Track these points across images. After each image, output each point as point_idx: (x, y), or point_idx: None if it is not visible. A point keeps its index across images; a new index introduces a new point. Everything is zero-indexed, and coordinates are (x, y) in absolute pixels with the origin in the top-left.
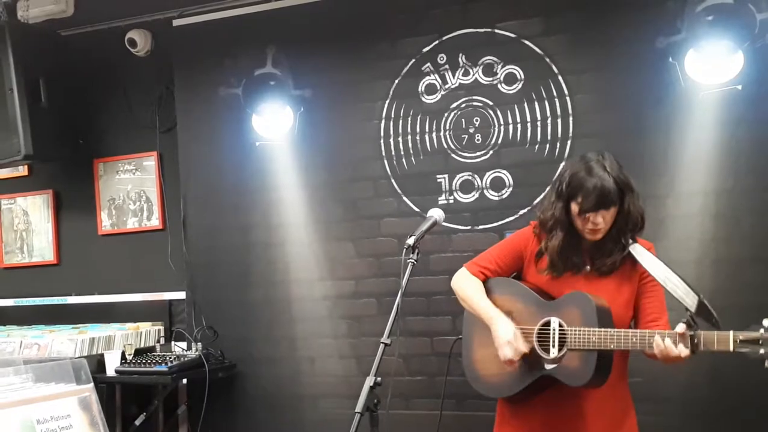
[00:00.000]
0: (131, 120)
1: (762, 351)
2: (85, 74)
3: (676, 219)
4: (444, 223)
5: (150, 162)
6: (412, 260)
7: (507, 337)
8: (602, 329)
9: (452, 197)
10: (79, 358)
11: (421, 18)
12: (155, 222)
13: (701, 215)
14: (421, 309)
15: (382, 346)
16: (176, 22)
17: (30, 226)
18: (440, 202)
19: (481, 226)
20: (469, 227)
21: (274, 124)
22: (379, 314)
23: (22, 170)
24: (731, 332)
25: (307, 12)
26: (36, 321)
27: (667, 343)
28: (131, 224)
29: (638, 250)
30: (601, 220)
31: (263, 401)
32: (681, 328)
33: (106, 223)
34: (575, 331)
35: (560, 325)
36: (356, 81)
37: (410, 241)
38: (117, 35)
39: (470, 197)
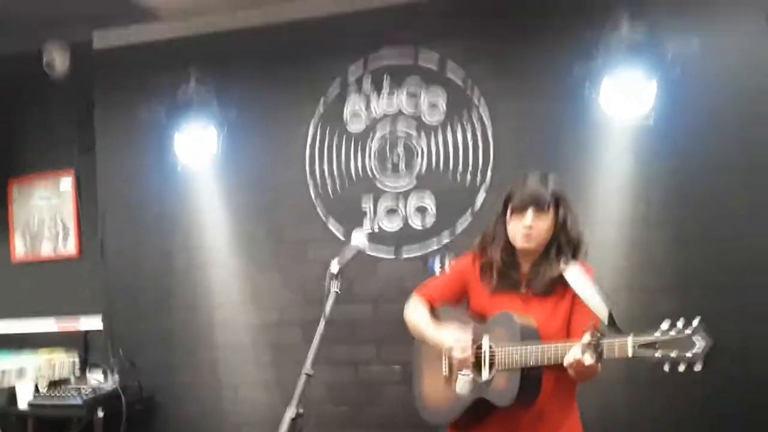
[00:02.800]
0: (49, 139)
1: (658, 354)
2: (1, 91)
3: (590, 247)
4: (368, 252)
5: (67, 186)
6: (336, 289)
7: (455, 338)
8: (523, 347)
9: (377, 224)
10: None
11: (345, 39)
12: (71, 248)
13: (615, 244)
14: (344, 337)
15: (304, 376)
16: (97, 43)
17: None
18: (365, 229)
19: (405, 255)
20: (393, 255)
21: (198, 145)
22: (303, 342)
23: None
24: (630, 338)
25: (231, 34)
26: None
27: (575, 351)
28: (46, 251)
29: (572, 273)
30: (534, 224)
31: None
32: (586, 338)
33: (20, 249)
34: (502, 350)
35: (490, 346)
36: (281, 104)
37: (335, 269)
38: (34, 54)
39: (394, 225)
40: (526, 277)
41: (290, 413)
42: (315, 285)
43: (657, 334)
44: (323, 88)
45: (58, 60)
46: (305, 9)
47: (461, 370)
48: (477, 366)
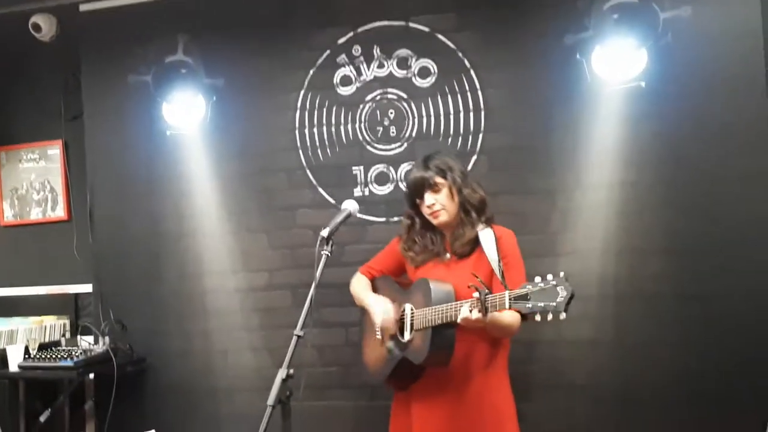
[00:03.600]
0: (36, 107)
1: (529, 305)
2: None
3: (582, 210)
4: (359, 215)
5: (55, 150)
6: (327, 252)
7: (379, 308)
8: (430, 308)
9: (367, 189)
10: None
11: (336, 9)
12: (60, 212)
13: (606, 207)
14: (335, 300)
15: (295, 338)
16: (83, 7)
17: None
18: (356, 194)
19: (395, 218)
20: (383, 219)
21: (186, 113)
22: (293, 306)
23: None
24: (507, 293)
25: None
26: None
27: (464, 309)
28: (35, 215)
29: (485, 234)
30: (434, 201)
31: (174, 395)
32: (475, 296)
33: (8, 213)
34: (418, 313)
35: (411, 310)
36: (270, 71)
37: (324, 233)
38: (21, 19)
39: (385, 189)
40: (450, 244)
41: (282, 374)
42: (305, 250)
43: (528, 287)
44: (313, 56)
45: (44, 25)
46: None
47: (388, 335)
48: (402, 329)
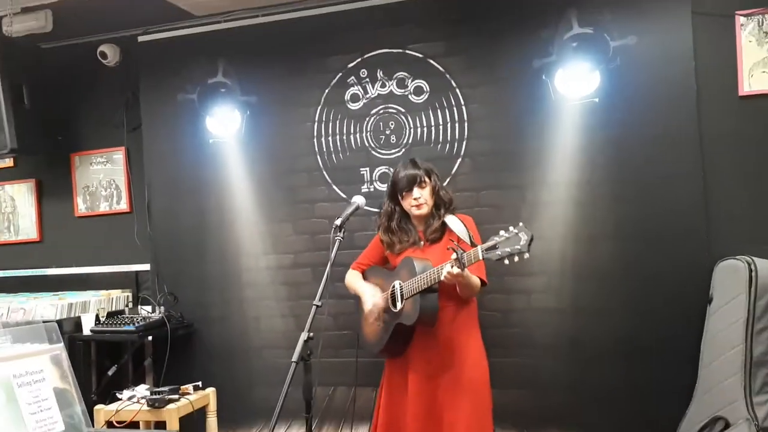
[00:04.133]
0: (103, 120)
1: (498, 252)
2: (63, 81)
3: (546, 204)
4: (365, 207)
5: (119, 155)
6: (339, 237)
7: (368, 294)
8: (417, 277)
9: (372, 186)
10: (52, 321)
11: (347, 39)
12: (123, 206)
13: (566, 201)
14: None
15: (314, 307)
16: (141, 38)
17: (16, 209)
18: (363, 190)
19: None
20: None
21: (225, 124)
22: (313, 281)
23: (9, 162)
24: (479, 247)
25: (252, 31)
26: (22, 290)
27: (447, 266)
28: (103, 208)
29: (450, 219)
30: (420, 195)
31: (216, 353)
32: (453, 256)
33: (81, 206)
34: (406, 284)
35: (400, 285)
36: (294, 90)
37: (338, 222)
38: (90, 48)
39: (386, 186)
40: (423, 233)
41: (304, 336)
42: (322, 236)
43: (495, 238)
44: (328, 77)
45: (109, 53)
46: (313, 8)
47: (380, 312)
48: (394, 301)
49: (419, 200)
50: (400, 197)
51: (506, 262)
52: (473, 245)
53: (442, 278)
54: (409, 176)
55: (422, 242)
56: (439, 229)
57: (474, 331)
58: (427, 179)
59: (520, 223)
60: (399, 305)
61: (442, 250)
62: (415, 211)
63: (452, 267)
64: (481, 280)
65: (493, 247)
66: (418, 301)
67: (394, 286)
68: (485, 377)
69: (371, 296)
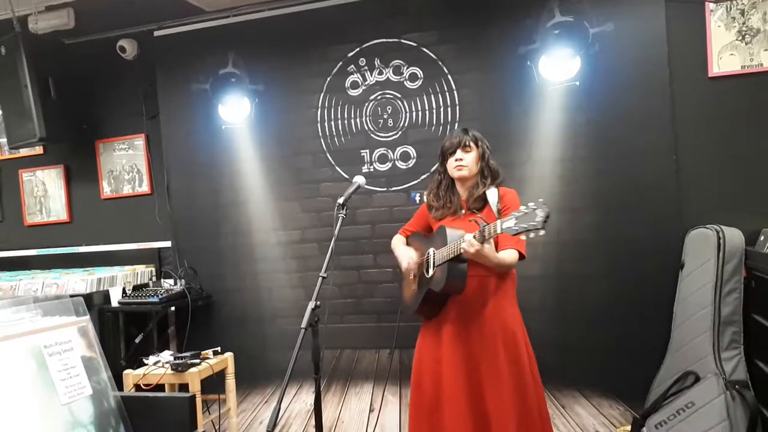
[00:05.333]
0: (124, 109)
1: (515, 228)
2: (86, 74)
3: (532, 180)
4: (366, 186)
5: (140, 141)
6: (342, 215)
7: (404, 255)
8: (445, 246)
9: (372, 167)
10: (79, 295)
11: (346, 31)
12: (145, 188)
13: (551, 176)
14: (350, 250)
15: (320, 278)
16: (157, 33)
17: (47, 193)
18: (363, 171)
19: (393, 188)
20: (384, 189)
21: (236, 111)
22: (319, 254)
23: (39, 149)
24: (498, 221)
25: (259, 25)
26: (54, 266)
27: (467, 237)
28: (126, 190)
29: (491, 192)
30: (463, 157)
31: (233, 322)
32: (477, 229)
33: (106, 189)
34: (437, 252)
35: (433, 252)
36: (298, 78)
37: (340, 200)
38: (110, 43)
39: (385, 166)
40: (466, 201)
41: (311, 305)
42: (327, 213)
43: (514, 213)
44: (330, 66)
45: (128, 48)
46: (315, 2)
47: (416, 275)
48: (428, 268)
49: (461, 162)
50: (446, 160)
51: (523, 237)
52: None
53: (462, 248)
54: (456, 138)
55: (463, 211)
56: (480, 199)
57: (509, 298)
58: (472, 144)
59: (540, 199)
60: (431, 272)
61: (484, 218)
62: (456, 173)
63: (474, 237)
64: (520, 253)
65: (511, 222)
66: (446, 269)
67: (428, 253)
68: (518, 339)
69: (407, 258)
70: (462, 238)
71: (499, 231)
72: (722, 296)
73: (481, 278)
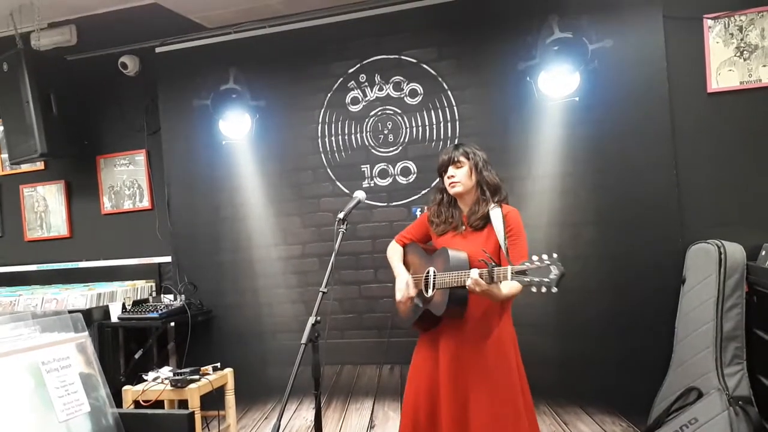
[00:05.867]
0: (125, 125)
1: (527, 279)
2: (88, 90)
3: (533, 195)
4: (366, 201)
5: (140, 157)
6: (342, 230)
7: (399, 286)
8: (448, 273)
9: (372, 182)
10: (81, 310)
11: (347, 47)
12: (145, 203)
13: (551, 191)
14: (350, 265)
15: (320, 293)
16: (158, 50)
17: (48, 208)
18: (364, 186)
19: (394, 203)
20: (385, 204)
21: (236, 127)
22: (320, 269)
23: (40, 165)
24: (510, 267)
25: (260, 41)
26: (54, 281)
27: (473, 274)
28: (127, 205)
29: (495, 212)
30: (454, 174)
31: (233, 337)
32: (484, 267)
33: (107, 205)
34: (439, 275)
35: (434, 273)
36: (299, 94)
37: (341, 215)
38: (112, 60)
39: (386, 182)
40: (467, 217)
41: (312, 320)
42: (327, 228)
43: (527, 263)
44: (330, 82)
45: (130, 64)
46: (316, 19)
47: (412, 296)
48: (426, 286)
49: (453, 179)
50: (442, 179)
51: (533, 290)
52: (506, 252)
53: (468, 283)
54: (445, 156)
55: (464, 227)
56: (483, 218)
57: (504, 315)
58: (462, 159)
59: (554, 254)
60: (430, 292)
61: (483, 240)
62: (451, 190)
63: (481, 276)
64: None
65: (523, 272)
66: (447, 295)
67: (428, 272)
68: (510, 365)
69: (402, 288)
70: (467, 273)
71: (509, 278)
72: (724, 311)
73: (480, 303)
